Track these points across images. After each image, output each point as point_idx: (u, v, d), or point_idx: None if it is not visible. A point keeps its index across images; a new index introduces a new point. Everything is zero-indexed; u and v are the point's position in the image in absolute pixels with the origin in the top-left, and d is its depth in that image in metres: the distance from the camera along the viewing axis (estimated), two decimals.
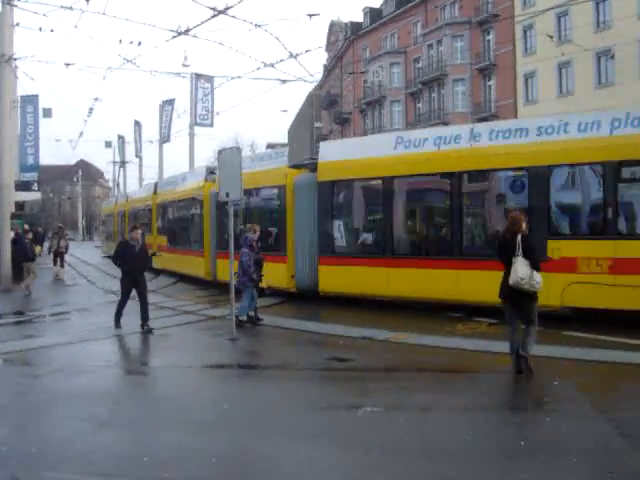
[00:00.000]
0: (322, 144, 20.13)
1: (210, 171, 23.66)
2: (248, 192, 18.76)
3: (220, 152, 13.32)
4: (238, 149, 13.28)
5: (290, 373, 10.53)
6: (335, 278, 17.93)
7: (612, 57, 43.40)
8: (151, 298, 20.10)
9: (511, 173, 15.40)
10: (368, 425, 7.45)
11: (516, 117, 51.20)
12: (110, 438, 7.12)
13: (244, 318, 14.72)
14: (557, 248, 14.13)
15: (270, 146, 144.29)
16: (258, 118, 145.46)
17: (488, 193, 16.62)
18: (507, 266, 9.73)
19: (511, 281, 9.55)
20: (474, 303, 14.97)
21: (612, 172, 13.72)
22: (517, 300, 9.74)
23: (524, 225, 9.98)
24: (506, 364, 10.75)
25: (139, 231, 14.95)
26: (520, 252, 9.61)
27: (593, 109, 43.34)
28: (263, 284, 15.25)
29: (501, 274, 9.87)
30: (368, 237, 18.14)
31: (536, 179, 14.62)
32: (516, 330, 9.83)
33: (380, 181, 17.45)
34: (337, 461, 6.37)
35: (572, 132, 14.33)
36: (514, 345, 9.69)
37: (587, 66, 45.04)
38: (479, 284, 14.30)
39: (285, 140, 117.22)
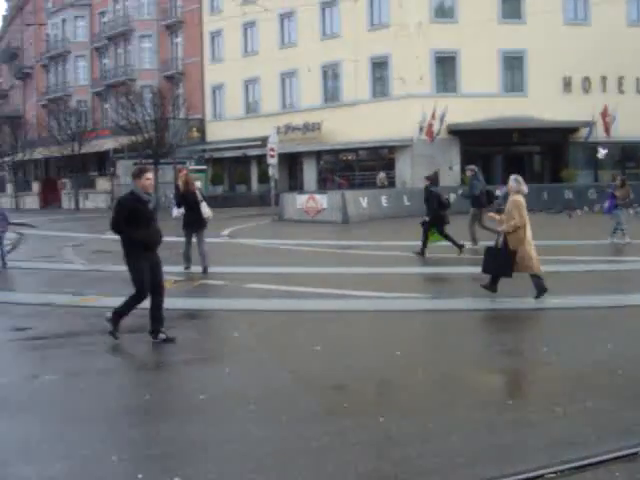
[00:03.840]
0: None
1: None
2: None
3: None
4: None
5: None
6: None
7: (294, 19, 45.04)
8: None
9: None
10: (46, 394, 7.18)
11: (203, 75, 51.66)
12: None
13: None
14: None
15: None
16: None
17: None
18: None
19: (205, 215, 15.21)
20: None
21: None
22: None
23: None
24: (189, 319, 10.98)
25: None
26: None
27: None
28: None
29: None
30: None
31: None
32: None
33: None
34: (12, 435, 6.07)
35: None
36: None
37: (271, 27, 46.28)
38: None
39: None
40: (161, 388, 7.26)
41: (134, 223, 8.80)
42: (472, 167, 19.39)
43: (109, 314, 9.28)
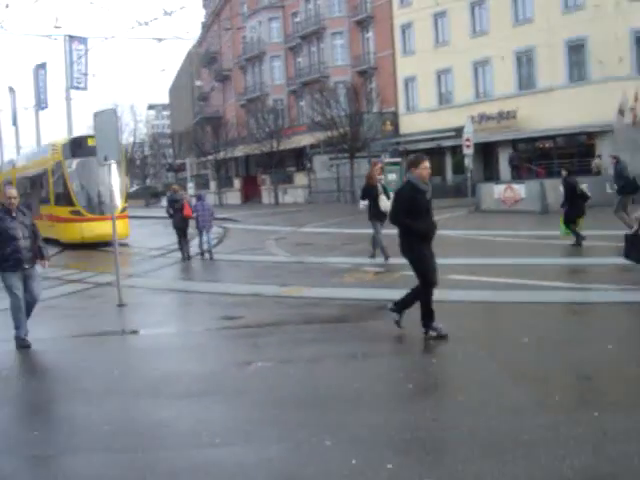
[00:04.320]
0: None
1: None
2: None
3: (96, 115, 12.92)
4: (114, 111, 12.92)
5: (179, 334, 10.47)
6: None
7: (485, 6, 44.29)
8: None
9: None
10: (259, 380, 7.49)
11: (395, 69, 51.78)
12: None
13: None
14: None
15: (151, 107, 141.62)
16: (137, 79, 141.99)
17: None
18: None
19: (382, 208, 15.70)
20: None
21: None
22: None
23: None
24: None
25: None
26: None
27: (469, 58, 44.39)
28: None
29: None
30: None
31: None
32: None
33: None
34: (231, 418, 6.40)
35: None
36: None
37: (462, 16, 45.75)
38: None
39: (167, 100, 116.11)
40: (368, 377, 7.35)
41: (413, 214, 8.58)
42: (615, 155, 19.61)
43: (391, 305, 9.23)
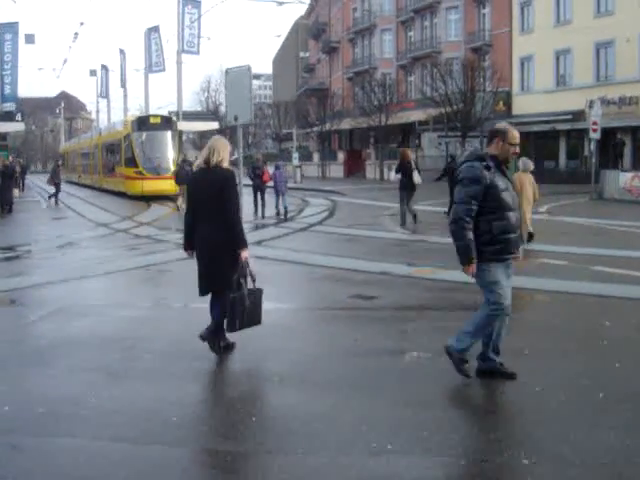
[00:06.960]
0: None
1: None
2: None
3: (227, 72, 12.11)
4: (248, 68, 12.02)
5: (313, 311, 9.63)
6: None
7: None
8: (145, 230, 19.41)
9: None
10: (420, 373, 6.56)
11: (511, 47, 49.86)
12: (127, 392, 6.13)
13: None
14: None
15: (255, 77, 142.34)
16: (245, 48, 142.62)
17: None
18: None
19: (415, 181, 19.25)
20: None
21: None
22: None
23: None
24: (543, 302, 10.00)
25: None
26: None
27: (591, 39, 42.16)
28: None
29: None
30: None
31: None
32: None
33: None
34: (397, 417, 5.49)
35: None
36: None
37: None
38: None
39: (269, 71, 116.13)
40: (545, 380, 6.29)
41: None
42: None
43: None
